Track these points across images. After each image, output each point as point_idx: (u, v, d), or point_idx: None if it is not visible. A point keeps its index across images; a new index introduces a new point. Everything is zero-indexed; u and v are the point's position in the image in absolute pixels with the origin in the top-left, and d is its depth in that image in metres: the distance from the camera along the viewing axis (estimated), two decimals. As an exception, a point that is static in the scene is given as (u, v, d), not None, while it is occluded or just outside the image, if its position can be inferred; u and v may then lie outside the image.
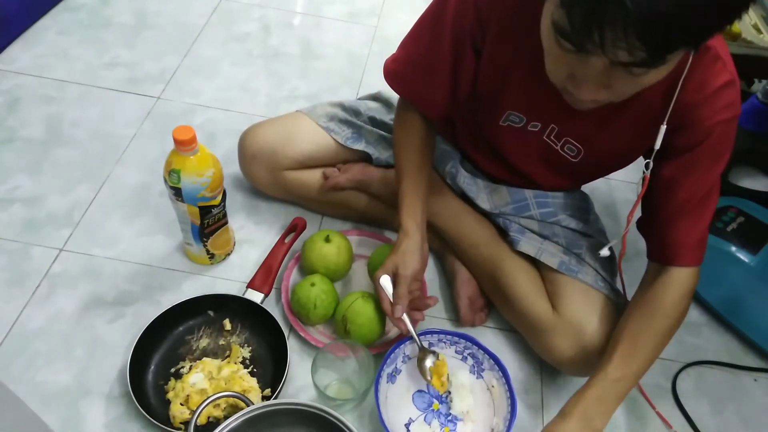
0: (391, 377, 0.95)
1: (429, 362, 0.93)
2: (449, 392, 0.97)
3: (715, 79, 0.76)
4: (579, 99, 0.70)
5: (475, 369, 0.97)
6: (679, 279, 0.86)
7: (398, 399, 0.95)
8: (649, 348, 0.84)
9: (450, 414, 0.96)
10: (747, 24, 1.60)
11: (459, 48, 0.86)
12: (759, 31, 1.58)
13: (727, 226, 1.16)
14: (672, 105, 0.76)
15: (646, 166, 0.82)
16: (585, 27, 0.57)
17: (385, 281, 0.93)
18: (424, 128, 0.98)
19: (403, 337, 0.96)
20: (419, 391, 0.98)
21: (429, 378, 0.92)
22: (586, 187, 1.14)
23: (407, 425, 0.94)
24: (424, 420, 0.95)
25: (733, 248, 1.13)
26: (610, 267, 1.03)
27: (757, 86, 1.52)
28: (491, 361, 0.95)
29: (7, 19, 1.46)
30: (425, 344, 0.95)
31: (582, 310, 0.94)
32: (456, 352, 0.98)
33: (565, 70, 0.68)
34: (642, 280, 0.91)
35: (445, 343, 0.97)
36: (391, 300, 0.92)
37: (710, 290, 1.18)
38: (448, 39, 0.86)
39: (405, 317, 0.91)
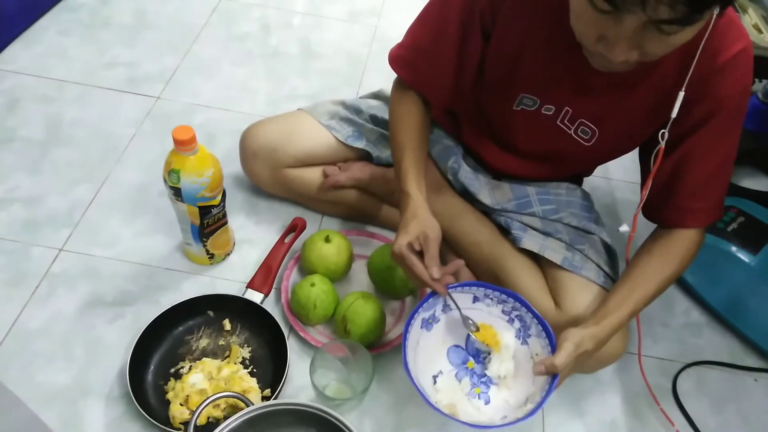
0: (427, 324, 0.89)
1: (473, 329, 0.88)
2: (490, 352, 0.90)
3: (731, 47, 0.76)
4: (611, 61, 0.69)
5: (521, 334, 0.90)
6: (691, 236, 0.90)
7: (432, 349, 0.89)
8: (656, 283, 0.88)
9: (485, 375, 0.89)
10: (747, 24, 1.59)
11: (466, 31, 0.86)
12: (759, 31, 1.58)
13: (727, 226, 1.16)
14: (691, 70, 0.75)
15: (662, 136, 0.81)
16: None
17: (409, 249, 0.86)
18: (423, 109, 0.98)
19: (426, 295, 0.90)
20: (456, 345, 0.92)
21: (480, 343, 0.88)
22: (586, 187, 1.14)
23: (435, 377, 0.89)
24: (455, 376, 0.90)
25: (734, 248, 1.13)
26: (612, 264, 1.03)
27: (758, 86, 1.52)
28: (539, 327, 0.87)
29: (7, 18, 1.46)
30: (470, 298, 0.90)
31: (585, 307, 0.94)
32: (503, 312, 0.90)
33: (596, 32, 0.68)
34: (652, 235, 0.94)
35: (492, 299, 0.90)
36: (422, 265, 0.85)
37: (711, 290, 1.18)
38: (456, 22, 0.86)
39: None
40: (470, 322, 0.88)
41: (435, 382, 0.89)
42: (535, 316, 0.88)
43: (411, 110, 0.97)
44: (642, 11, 0.60)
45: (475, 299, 0.91)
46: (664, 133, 0.81)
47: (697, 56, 0.74)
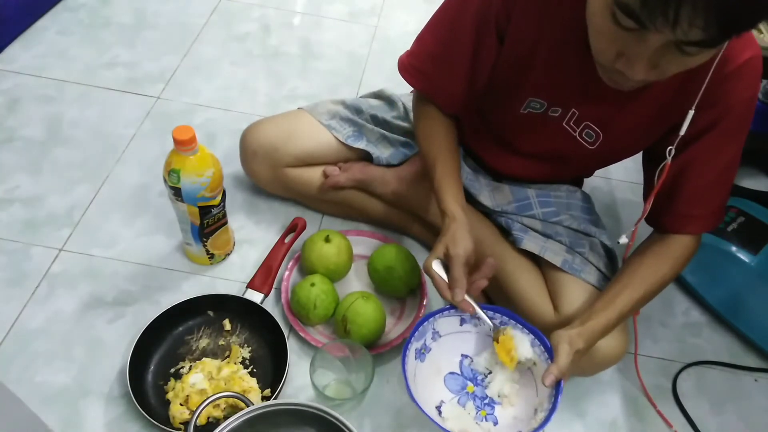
0: (420, 354, 0.88)
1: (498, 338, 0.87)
2: (490, 372, 0.90)
3: (740, 55, 0.76)
4: (628, 79, 0.69)
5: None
6: (687, 241, 0.90)
7: (428, 379, 0.88)
8: (645, 286, 0.88)
9: (486, 397, 0.88)
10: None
11: (481, 36, 0.85)
12: (759, 31, 1.58)
13: (727, 226, 1.16)
14: (704, 87, 0.75)
15: (669, 152, 0.81)
16: (662, 4, 0.56)
17: (437, 267, 0.86)
18: (445, 117, 0.97)
19: (428, 312, 0.90)
20: (451, 373, 0.90)
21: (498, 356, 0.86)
22: (586, 187, 1.14)
23: (438, 407, 0.87)
24: (458, 402, 0.88)
25: (734, 248, 1.13)
26: (612, 266, 1.03)
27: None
28: (531, 336, 0.86)
29: (7, 19, 1.46)
30: (457, 320, 0.90)
31: (584, 310, 0.94)
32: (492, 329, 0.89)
33: (615, 49, 0.67)
34: (647, 239, 0.93)
35: (479, 319, 0.88)
36: (444, 284, 0.86)
37: (710, 290, 1.18)
38: (471, 28, 0.85)
39: (467, 298, 0.85)
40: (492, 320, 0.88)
41: (440, 413, 0.86)
42: (525, 326, 0.87)
43: (434, 121, 0.96)
44: (671, 32, 0.58)
45: (462, 321, 0.90)
46: (671, 149, 0.81)
47: (711, 70, 0.74)
